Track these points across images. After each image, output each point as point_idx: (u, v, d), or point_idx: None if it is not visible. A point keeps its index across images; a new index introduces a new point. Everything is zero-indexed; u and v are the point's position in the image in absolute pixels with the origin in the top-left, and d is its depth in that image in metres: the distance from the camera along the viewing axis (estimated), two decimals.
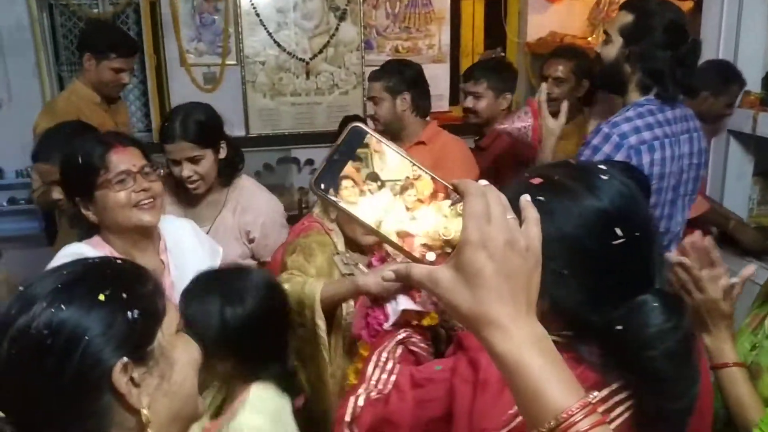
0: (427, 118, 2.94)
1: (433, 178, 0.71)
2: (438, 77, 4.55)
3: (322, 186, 0.70)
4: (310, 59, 4.56)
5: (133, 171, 1.71)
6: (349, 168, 0.70)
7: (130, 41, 3.26)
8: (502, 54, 4.64)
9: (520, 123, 2.54)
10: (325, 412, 1.98)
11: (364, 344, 1.55)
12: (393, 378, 1.30)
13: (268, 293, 1.58)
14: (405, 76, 2.83)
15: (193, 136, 2.22)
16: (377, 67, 3.01)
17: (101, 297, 0.80)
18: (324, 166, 0.70)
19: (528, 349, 0.67)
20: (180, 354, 0.87)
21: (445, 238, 0.70)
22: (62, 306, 0.78)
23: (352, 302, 1.96)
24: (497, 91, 2.99)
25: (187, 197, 2.36)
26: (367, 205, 0.70)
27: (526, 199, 0.72)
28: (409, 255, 0.70)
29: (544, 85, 2.60)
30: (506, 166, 2.89)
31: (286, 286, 1.88)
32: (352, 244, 2.10)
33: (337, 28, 4.53)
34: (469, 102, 3.02)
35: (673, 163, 2.15)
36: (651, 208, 2.12)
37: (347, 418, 1.25)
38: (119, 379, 0.79)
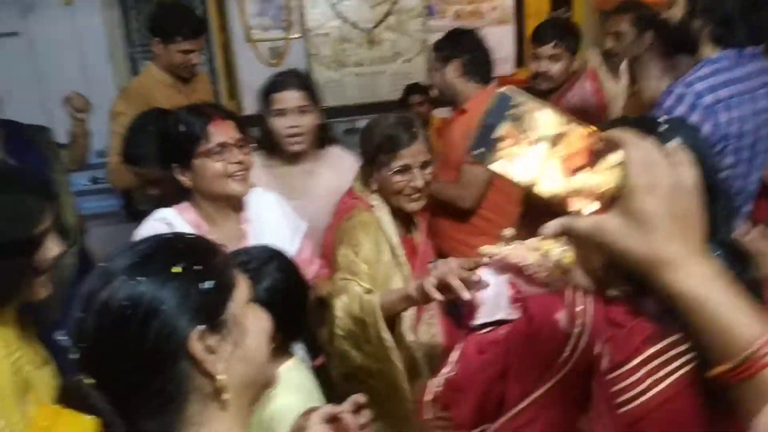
0: (490, 84, 2.87)
1: (585, 131, 0.73)
2: (502, 40, 4.48)
3: (478, 152, 0.74)
4: (373, 28, 4.56)
5: (230, 143, 1.80)
6: (501, 131, 0.74)
7: (195, 22, 3.29)
8: (569, 14, 4.51)
9: (581, 93, 2.48)
10: (405, 417, 1.95)
11: None
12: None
13: (284, 267, 1.56)
14: (457, 42, 2.78)
15: (302, 85, 2.36)
16: (439, 33, 2.98)
17: (175, 270, 0.85)
18: (477, 134, 0.74)
19: (709, 284, 0.69)
20: (252, 323, 0.91)
21: (602, 189, 0.72)
22: (139, 280, 0.84)
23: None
24: (571, 53, 2.89)
25: (281, 168, 2.43)
26: (523, 164, 0.73)
27: (676, 143, 0.77)
28: (570, 209, 0.73)
29: (595, 52, 2.53)
30: None
31: (343, 299, 1.88)
32: (398, 214, 2.07)
33: None
34: (543, 65, 2.91)
35: (752, 120, 2.06)
36: (729, 167, 2.05)
37: (428, 397, 1.28)
38: (195, 346, 0.83)
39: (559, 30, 2.94)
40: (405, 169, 1.98)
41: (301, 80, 2.39)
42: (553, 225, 0.74)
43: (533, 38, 3.00)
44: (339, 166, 2.45)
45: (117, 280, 0.84)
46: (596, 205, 0.72)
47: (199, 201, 1.87)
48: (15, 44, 4.35)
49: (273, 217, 1.98)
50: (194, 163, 1.80)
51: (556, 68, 2.88)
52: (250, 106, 4.23)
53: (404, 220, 2.11)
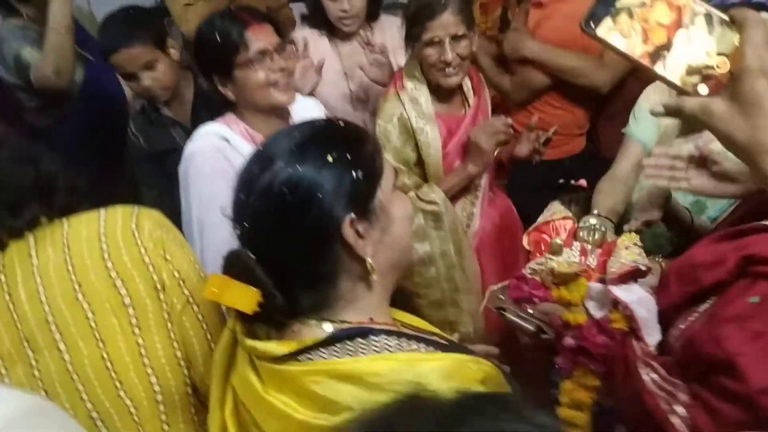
0: None
1: (706, 10, 0.72)
2: None
3: (591, 25, 0.73)
4: None
5: (270, 49, 1.69)
6: (613, 8, 0.72)
7: None
8: None
9: None
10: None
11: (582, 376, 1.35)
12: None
13: None
14: None
15: None
16: None
17: (330, 158, 0.88)
18: (592, 7, 0.73)
19: None
20: (397, 209, 0.95)
21: (716, 70, 0.71)
22: (298, 166, 0.88)
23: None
24: None
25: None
26: (637, 40, 0.72)
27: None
28: (679, 89, 0.72)
29: None
30: None
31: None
32: (439, 91, 2.04)
33: None
34: None
35: None
36: None
37: None
38: (347, 232, 0.88)
39: None
40: (434, 42, 1.92)
41: None
42: (662, 105, 0.74)
43: None
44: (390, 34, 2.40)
45: (276, 164, 0.89)
46: (707, 88, 0.72)
47: (244, 112, 1.77)
48: None
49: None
50: (235, 75, 1.69)
51: None
52: None
53: (448, 94, 2.08)
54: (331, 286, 0.92)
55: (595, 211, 1.74)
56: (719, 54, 0.71)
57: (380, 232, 0.92)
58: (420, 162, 2.06)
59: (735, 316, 0.95)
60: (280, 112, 1.79)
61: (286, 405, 0.88)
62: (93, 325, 1.11)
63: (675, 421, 1.00)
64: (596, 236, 1.58)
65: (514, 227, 2.26)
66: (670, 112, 0.74)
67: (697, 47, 0.71)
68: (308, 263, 0.90)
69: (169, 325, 1.16)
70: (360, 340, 0.89)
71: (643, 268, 1.35)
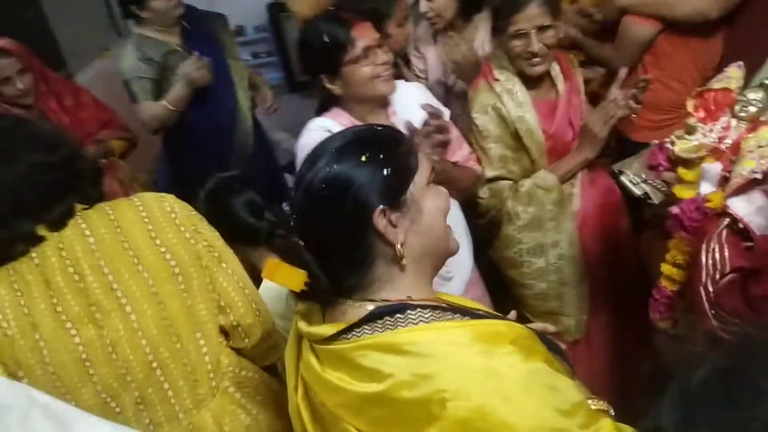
0: None
1: None
2: None
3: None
4: None
5: (373, 45, 1.81)
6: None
7: None
8: None
9: None
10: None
11: (679, 241, 1.61)
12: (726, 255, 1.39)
13: None
14: None
15: None
16: None
17: (363, 158, 1.02)
18: None
19: None
20: (429, 202, 1.06)
21: None
22: (335, 165, 1.02)
23: None
24: None
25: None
26: None
27: None
28: None
29: None
30: None
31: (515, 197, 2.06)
32: (526, 79, 2.08)
33: None
34: None
35: None
36: None
37: (707, 307, 1.37)
38: (378, 220, 1.00)
39: None
40: (520, 34, 1.97)
41: None
42: None
43: None
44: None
45: (318, 164, 1.03)
46: None
47: (349, 105, 1.90)
48: None
49: (417, 106, 2.01)
50: (343, 71, 1.81)
51: None
52: None
53: (537, 81, 2.11)
54: (369, 268, 1.04)
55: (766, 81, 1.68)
56: None
57: (411, 221, 1.03)
58: (519, 148, 2.10)
59: None
60: (383, 102, 1.93)
61: (341, 380, 1.01)
62: (154, 290, 1.33)
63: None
64: (750, 112, 1.60)
65: (616, 206, 2.25)
66: None
67: None
68: (346, 248, 1.03)
69: (209, 286, 1.42)
70: (399, 315, 1.00)
71: (760, 177, 1.43)
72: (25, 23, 3.18)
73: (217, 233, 1.46)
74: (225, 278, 1.44)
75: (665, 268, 1.66)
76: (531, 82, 2.09)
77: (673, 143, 1.66)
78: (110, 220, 1.34)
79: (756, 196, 1.41)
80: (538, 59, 1.99)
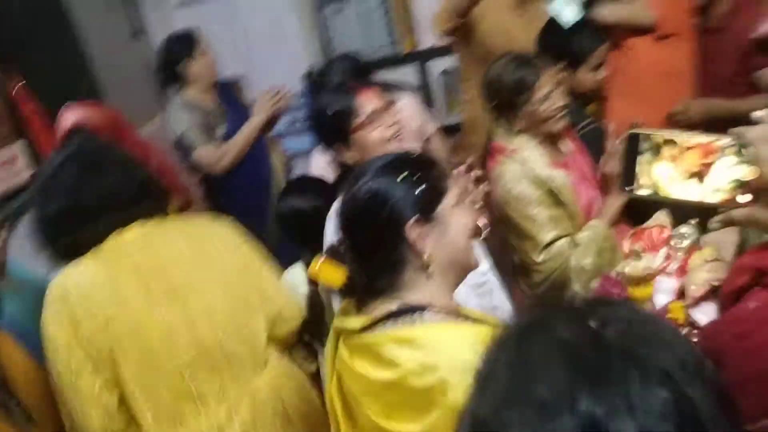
0: None
1: (708, 140, 0.85)
2: None
3: (628, 188, 0.91)
4: None
5: (380, 109, 1.85)
6: (638, 166, 0.89)
7: None
8: None
9: None
10: None
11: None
12: None
13: None
14: None
15: None
16: None
17: (401, 177, 1.18)
18: (621, 173, 0.91)
19: None
20: (455, 220, 1.21)
21: (742, 180, 0.83)
22: (377, 180, 1.19)
23: None
24: None
25: None
26: (671, 185, 0.87)
27: None
28: (725, 204, 0.86)
29: None
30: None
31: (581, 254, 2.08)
32: (545, 142, 2.17)
33: None
34: None
35: None
36: None
37: None
38: (410, 230, 1.16)
39: None
40: (546, 97, 2.08)
41: None
42: (717, 220, 0.86)
43: None
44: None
45: (362, 180, 1.21)
46: (748, 197, 0.82)
47: None
48: (216, 7, 4.79)
49: None
50: (353, 138, 1.84)
51: None
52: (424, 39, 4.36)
53: (552, 145, 2.20)
54: (399, 273, 1.19)
55: (691, 221, 1.87)
56: (738, 169, 0.83)
57: (438, 234, 1.19)
58: (558, 206, 2.13)
59: (733, 319, 1.06)
60: None
61: (363, 368, 1.16)
62: (229, 281, 1.66)
63: None
64: (685, 244, 1.80)
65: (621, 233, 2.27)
66: (726, 223, 0.86)
67: (728, 172, 0.84)
68: (382, 253, 1.19)
69: (257, 281, 1.74)
70: (415, 314, 1.15)
71: (717, 284, 1.51)
72: (77, 93, 3.43)
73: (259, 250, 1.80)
74: (267, 274, 1.79)
75: None
76: (542, 146, 2.17)
77: (618, 273, 1.83)
78: (185, 231, 1.69)
79: (712, 305, 1.53)
80: (563, 111, 2.11)
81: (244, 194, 3.11)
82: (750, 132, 0.79)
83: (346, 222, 1.23)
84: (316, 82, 2.74)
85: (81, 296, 1.50)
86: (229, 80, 3.29)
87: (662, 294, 1.70)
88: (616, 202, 2.13)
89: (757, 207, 0.80)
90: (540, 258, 2.11)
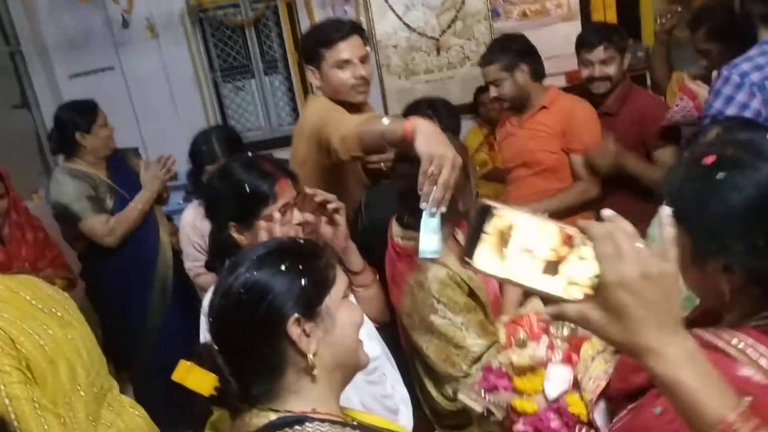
0: (543, 83, 2.92)
1: (560, 228, 0.79)
2: (568, 36, 4.47)
3: (468, 260, 0.83)
4: (440, 36, 4.68)
5: (291, 204, 1.71)
6: (485, 239, 0.82)
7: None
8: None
9: (682, 111, 2.51)
10: None
11: None
12: None
13: None
14: (515, 48, 2.81)
15: None
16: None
17: (283, 267, 1.04)
18: (466, 243, 0.84)
19: (682, 368, 0.74)
20: (343, 315, 1.08)
21: (584, 276, 0.78)
22: (255, 272, 1.04)
23: None
24: (621, 53, 2.85)
25: None
26: (510, 265, 0.81)
27: (665, 213, 0.85)
28: (558, 298, 0.79)
29: (685, 74, 2.59)
30: (637, 133, 2.78)
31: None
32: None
33: (463, 2, 4.60)
34: (597, 70, 2.84)
35: None
36: None
37: None
38: (292, 328, 1.02)
39: (607, 32, 2.88)
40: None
41: None
42: (548, 312, 0.81)
43: (580, 44, 2.94)
44: None
45: (238, 270, 1.05)
46: (580, 293, 0.78)
47: None
48: (111, 77, 4.71)
49: None
50: (256, 224, 1.67)
51: (611, 70, 2.83)
52: None
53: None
54: (279, 377, 1.05)
55: None
56: (582, 263, 0.77)
57: (324, 332, 1.05)
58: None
59: (640, 425, 1.03)
60: None
61: None
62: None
63: None
64: (565, 332, 1.64)
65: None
66: (555, 317, 0.80)
67: (562, 259, 0.78)
68: (259, 354, 1.04)
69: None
70: (297, 427, 1.00)
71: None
72: None
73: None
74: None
75: None
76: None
77: (501, 363, 1.62)
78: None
79: (601, 403, 1.38)
80: None
81: (124, 273, 3.00)
82: (593, 228, 0.77)
83: (219, 319, 1.06)
84: (192, 152, 2.69)
85: None
86: (122, 150, 3.17)
87: (554, 383, 1.51)
88: (513, 295, 1.96)
89: (590, 306, 0.76)
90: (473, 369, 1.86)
